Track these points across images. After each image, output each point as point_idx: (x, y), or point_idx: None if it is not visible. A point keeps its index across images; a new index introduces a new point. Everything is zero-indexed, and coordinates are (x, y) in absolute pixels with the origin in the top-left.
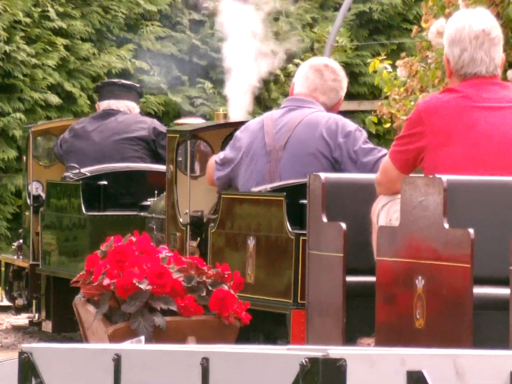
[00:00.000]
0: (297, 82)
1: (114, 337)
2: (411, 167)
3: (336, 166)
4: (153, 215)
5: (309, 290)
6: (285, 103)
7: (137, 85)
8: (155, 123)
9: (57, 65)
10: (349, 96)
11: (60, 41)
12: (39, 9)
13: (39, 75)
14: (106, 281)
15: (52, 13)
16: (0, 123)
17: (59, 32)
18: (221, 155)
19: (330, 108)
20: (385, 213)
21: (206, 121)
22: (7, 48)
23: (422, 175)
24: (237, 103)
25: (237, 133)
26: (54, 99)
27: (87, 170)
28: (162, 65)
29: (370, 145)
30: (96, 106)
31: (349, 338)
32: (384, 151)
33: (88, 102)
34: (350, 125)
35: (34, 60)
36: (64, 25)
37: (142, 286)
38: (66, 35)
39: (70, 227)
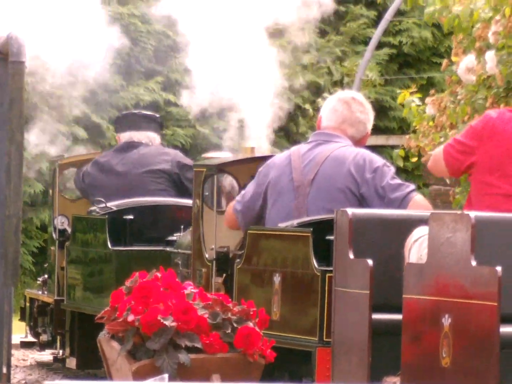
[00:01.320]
0: (324, 115)
1: (138, 374)
2: (459, 173)
3: (363, 202)
4: (179, 250)
5: (335, 327)
6: (312, 137)
7: (157, 115)
8: (178, 155)
9: (84, 97)
10: (378, 130)
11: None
12: None
13: (65, 107)
14: (130, 317)
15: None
16: (28, 156)
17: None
18: (242, 192)
19: (358, 141)
20: (417, 248)
21: (233, 155)
22: (32, 79)
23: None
24: (262, 137)
25: (261, 169)
26: (80, 132)
27: (113, 204)
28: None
29: (398, 180)
30: (117, 138)
31: (375, 377)
32: (412, 186)
33: (116, 134)
34: (377, 160)
35: (60, 92)
36: None
37: (167, 323)
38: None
39: (95, 262)
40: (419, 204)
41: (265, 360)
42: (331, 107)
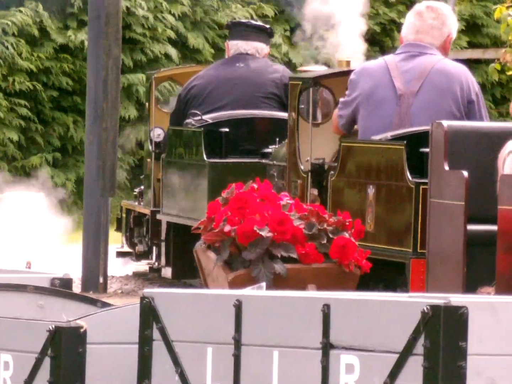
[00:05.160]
0: (403, 30)
1: (235, 284)
2: None
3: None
4: (274, 162)
5: (430, 238)
6: (402, 48)
7: (267, 26)
8: (286, 72)
9: (180, 16)
10: (472, 46)
11: None
12: None
13: (161, 26)
14: (227, 228)
15: None
16: (125, 81)
17: None
18: (341, 98)
19: (437, 48)
20: (511, 160)
21: (329, 69)
22: (127, 4)
23: None
24: (358, 51)
25: (352, 76)
26: (175, 52)
27: (209, 117)
28: (285, 12)
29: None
30: (226, 45)
31: (470, 287)
32: None
33: (212, 51)
34: (476, 83)
35: (153, 15)
36: None
37: (263, 233)
38: None
39: (191, 174)
40: None
41: (361, 270)
42: (407, 21)
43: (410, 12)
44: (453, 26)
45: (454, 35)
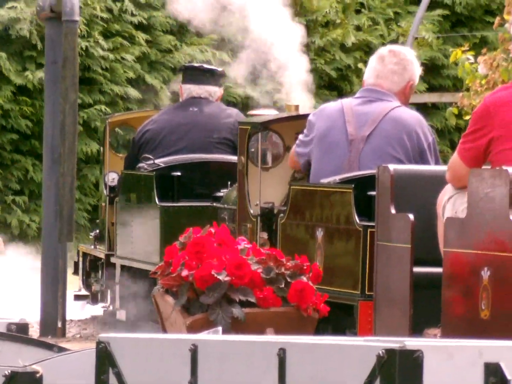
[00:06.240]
0: (365, 73)
1: (193, 328)
2: (480, 163)
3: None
4: (225, 206)
5: (377, 281)
6: (361, 93)
7: (219, 69)
8: (239, 117)
9: (138, 58)
10: (431, 88)
11: (140, 35)
12: (119, 4)
13: (119, 69)
14: (184, 272)
15: (131, 7)
16: (84, 115)
17: (139, 26)
18: (300, 136)
19: (397, 94)
20: (451, 205)
21: (279, 113)
22: (86, 44)
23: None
24: (308, 95)
25: (311, 117)
26: (134, 93)
27: (161, 161)
28: (242, 57)
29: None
30: (179, 88)
31: (416, 329)
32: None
33: (169, 94)
34: (430, 132)
35: (112, 55)
36: (145, 16)
37: (221, 278)
38: (147, 27)
39: (143, 217)
40: None
41: (319, 314)
42: (369, 65)
43: (373, 55)
44: (415, 72)
45: (416, 81)
